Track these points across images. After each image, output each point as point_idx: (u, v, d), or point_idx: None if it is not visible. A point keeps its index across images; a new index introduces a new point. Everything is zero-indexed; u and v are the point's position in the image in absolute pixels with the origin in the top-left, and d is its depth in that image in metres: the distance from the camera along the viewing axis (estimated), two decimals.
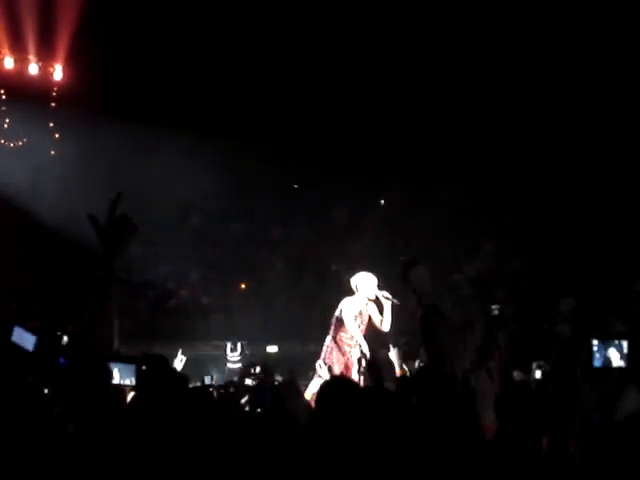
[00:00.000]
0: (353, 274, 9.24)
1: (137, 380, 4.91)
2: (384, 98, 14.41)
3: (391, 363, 7.18)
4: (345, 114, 14.55)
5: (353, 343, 9.12)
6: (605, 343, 4.72)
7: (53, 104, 14.38)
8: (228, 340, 11.68)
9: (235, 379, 9.76)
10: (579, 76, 13.23)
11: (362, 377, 8.04)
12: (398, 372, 7.03)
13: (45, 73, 14.27)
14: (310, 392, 8.34)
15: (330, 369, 8.40)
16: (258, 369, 9.15)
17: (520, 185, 13.75)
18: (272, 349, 12.30)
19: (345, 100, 14.44)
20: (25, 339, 4.39)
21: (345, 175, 14.55)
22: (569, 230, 13.17)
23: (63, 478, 3.21)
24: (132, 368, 5.11)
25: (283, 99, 14.43)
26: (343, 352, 9.21)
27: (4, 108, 14.31)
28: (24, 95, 13.94)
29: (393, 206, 15.23)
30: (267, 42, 14.11)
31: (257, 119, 14.61)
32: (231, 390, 8.29)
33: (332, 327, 9.24)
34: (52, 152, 14.33)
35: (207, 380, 8.89)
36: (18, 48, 13.99)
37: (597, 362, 4.64)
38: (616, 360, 4.65)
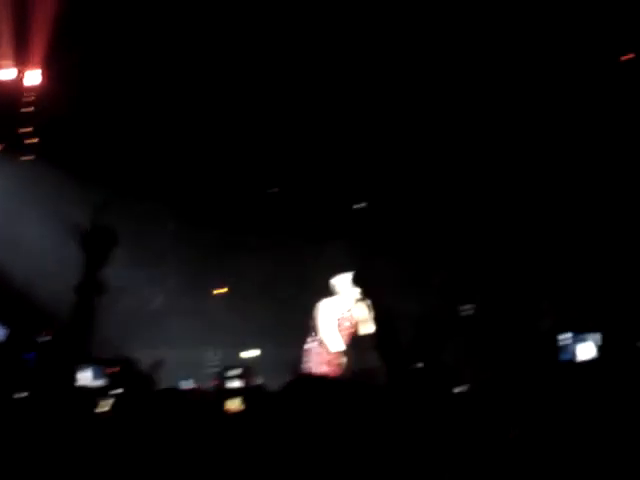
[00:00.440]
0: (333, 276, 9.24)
1: (107, 382, 4.89)
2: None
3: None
4: (325, 121, 14.54)
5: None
6: (579, 337, 4.73)
7: None
8: (207, 345, 11.64)
9: (216, 383, 9.72)
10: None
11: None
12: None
13: None
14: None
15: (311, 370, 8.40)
16: (237, 372, 9.11)
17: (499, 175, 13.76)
18: (252, 353, 12.27)
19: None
20: None
21: (323, 180, 14.54)
22: (545, 228, 13.21)
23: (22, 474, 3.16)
24: (103, 370, 5.08)
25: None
26: (324, 352, 9.20)
27: None
28: None
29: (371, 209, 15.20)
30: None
31: (233, 123, 14.58)
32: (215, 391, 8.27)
33: (311, 330, 9.23)
34: None
35: (184, 384, 8.85)
36: None
37: (568, 355, 4.65)
38: (588, 354, 4.66)
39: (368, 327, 9.05)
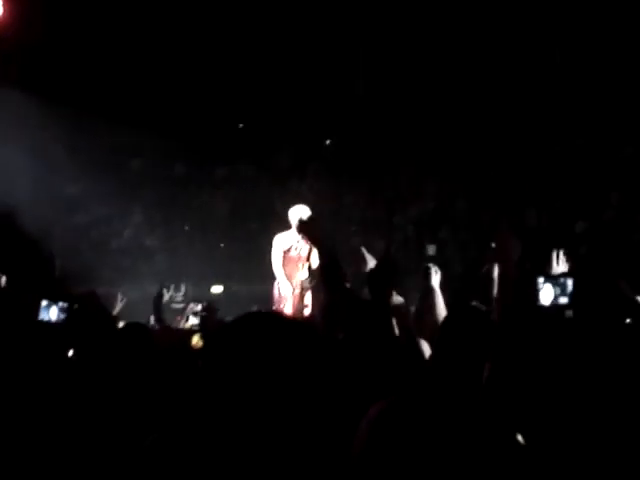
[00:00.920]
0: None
1: (68, 317, 4.91)
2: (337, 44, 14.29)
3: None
4: (292, 55, 14.41)
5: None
6: (550, 281, 4.75)
7: None
8: (172, 281, 11.60)
9: (178, 318, 9.72)
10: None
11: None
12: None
13: None
14: None
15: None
16: (200, 307, 9.10)
17: (463, 126, 13.77)
18: (217, 289, 12.27)
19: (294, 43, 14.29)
20: None
21: (291, 115, 14.47)
22: (511, 170, 13.27)
23: None
24: (66, 306, 5.10)
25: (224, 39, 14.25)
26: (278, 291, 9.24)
27: None
28: None
29: (339, 146, 15.17)
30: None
31: (202, 57, 14.41)
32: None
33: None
34: None
35: (152, 320, 8.86)
36: None
37: (542, 300, 4.68)
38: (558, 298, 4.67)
39: (313, 261, 9.05)
